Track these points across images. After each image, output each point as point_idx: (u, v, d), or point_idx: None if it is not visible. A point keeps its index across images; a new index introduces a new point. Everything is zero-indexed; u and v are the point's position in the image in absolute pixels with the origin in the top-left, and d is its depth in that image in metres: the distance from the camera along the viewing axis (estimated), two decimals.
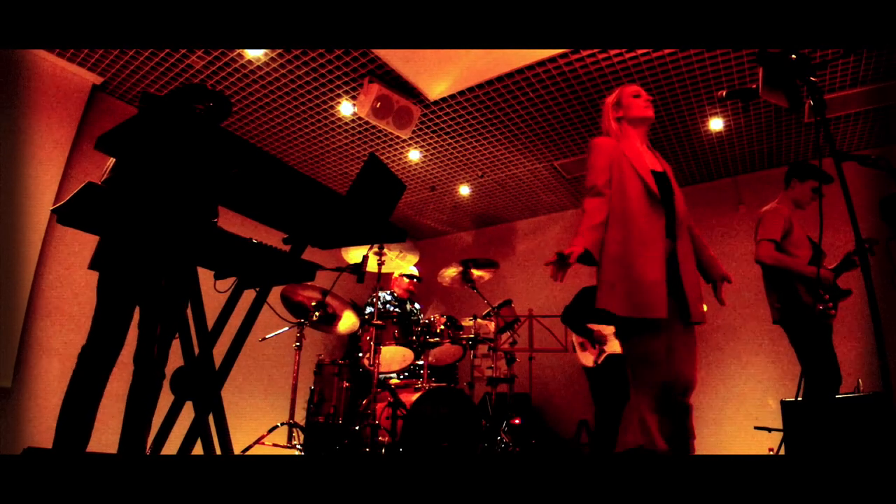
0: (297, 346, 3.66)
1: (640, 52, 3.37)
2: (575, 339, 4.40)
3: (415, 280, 4.40)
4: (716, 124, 4.17)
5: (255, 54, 3.50)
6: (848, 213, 1.45)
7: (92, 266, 2.13)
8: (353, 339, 4.10)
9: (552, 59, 3.48)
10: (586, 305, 4.39)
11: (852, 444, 2.75)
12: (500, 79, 3.71)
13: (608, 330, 4.20)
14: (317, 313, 3.60)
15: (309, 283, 3.51)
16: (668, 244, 2.03)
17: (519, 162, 4.89)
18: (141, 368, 2.18)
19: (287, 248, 1.70)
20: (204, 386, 1.52)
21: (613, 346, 4.13)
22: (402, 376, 3.91)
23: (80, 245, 3.66)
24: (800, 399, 2.74)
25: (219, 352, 1.56)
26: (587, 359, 4.25)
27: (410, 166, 5.00)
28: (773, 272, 2.93)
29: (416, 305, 4.51)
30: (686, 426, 1.94)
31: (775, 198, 3.11)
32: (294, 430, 3.51)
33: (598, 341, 4.23)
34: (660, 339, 1.92)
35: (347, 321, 3.74)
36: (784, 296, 2.87)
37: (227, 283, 1.78)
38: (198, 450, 1.53)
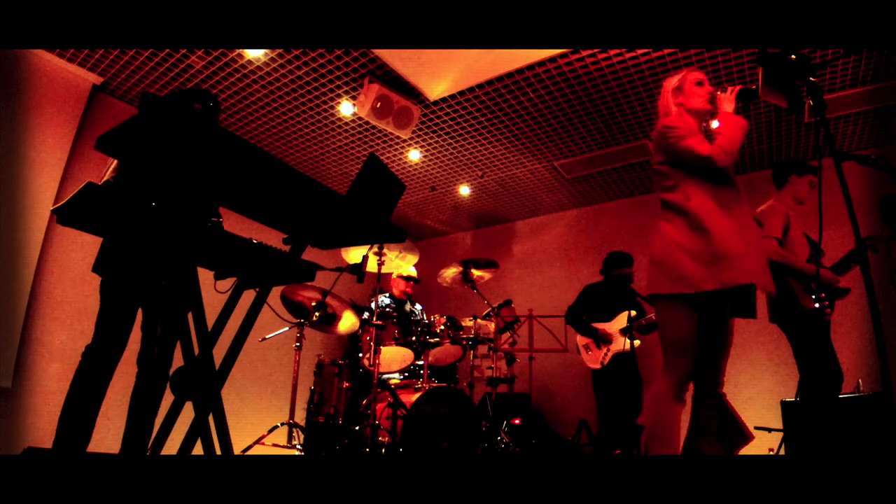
0: (297, 346, 3.66)
1: (640, 52, 3.37)
2: (579, 340, 4.35)
3: (412, 282, 4.39)
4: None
5: (255, 54, 3.50)
6: (848, 213, 1.45)
7: (95, 269, 2.15)
8: (353, 339, 4.10)
9: (552, 59, 3.48)
10: (589, 304, 4.38)
11: (852, 444, 2.75)
12: (500, 79, 3.71)
13: (613, 328, 4.18)
14: (317, 313, 3.60)
15: (309, 284, 3.51)
16: None
17: (519, 162, 4.89)
18: (144, 370, 2.19)
19: (287, 248, 1.70)
20: (204, 386, 1.52)
21: (618, 345, 4.11)
22: (402, 376, 3.90)
23: (80, 245, 3.66)
24: (800, 399, 2.74)
25: (219, 352, 1.56)
26: (593, 361, 4.21)
27: (410, 166, 5.00)
28: (772, 268, 2.91)
29: (418, 306, 4.51)
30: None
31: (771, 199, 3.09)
32: (294, 430, 3.50)
33: (603, 341, 4.20)
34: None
35: (347, 321, 3.74)
36: (778, 293, 2.86)
37: (227, 284, 1.78)
38: (198, 450, 1.53)
